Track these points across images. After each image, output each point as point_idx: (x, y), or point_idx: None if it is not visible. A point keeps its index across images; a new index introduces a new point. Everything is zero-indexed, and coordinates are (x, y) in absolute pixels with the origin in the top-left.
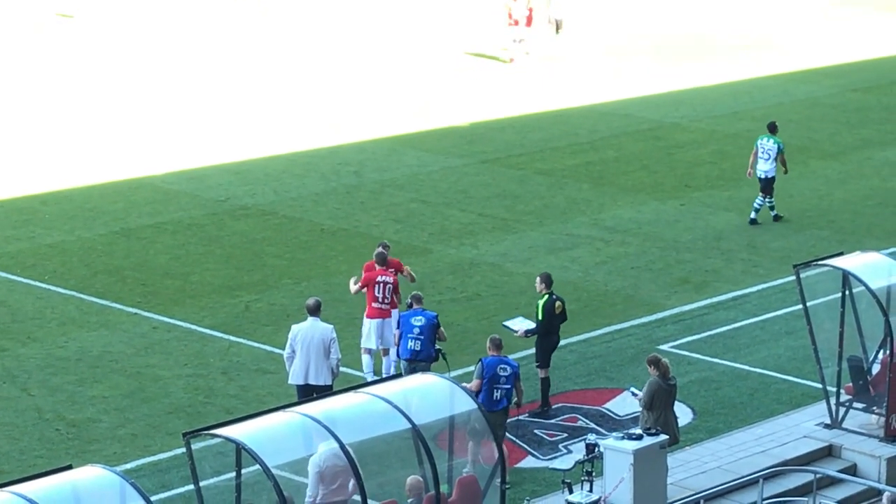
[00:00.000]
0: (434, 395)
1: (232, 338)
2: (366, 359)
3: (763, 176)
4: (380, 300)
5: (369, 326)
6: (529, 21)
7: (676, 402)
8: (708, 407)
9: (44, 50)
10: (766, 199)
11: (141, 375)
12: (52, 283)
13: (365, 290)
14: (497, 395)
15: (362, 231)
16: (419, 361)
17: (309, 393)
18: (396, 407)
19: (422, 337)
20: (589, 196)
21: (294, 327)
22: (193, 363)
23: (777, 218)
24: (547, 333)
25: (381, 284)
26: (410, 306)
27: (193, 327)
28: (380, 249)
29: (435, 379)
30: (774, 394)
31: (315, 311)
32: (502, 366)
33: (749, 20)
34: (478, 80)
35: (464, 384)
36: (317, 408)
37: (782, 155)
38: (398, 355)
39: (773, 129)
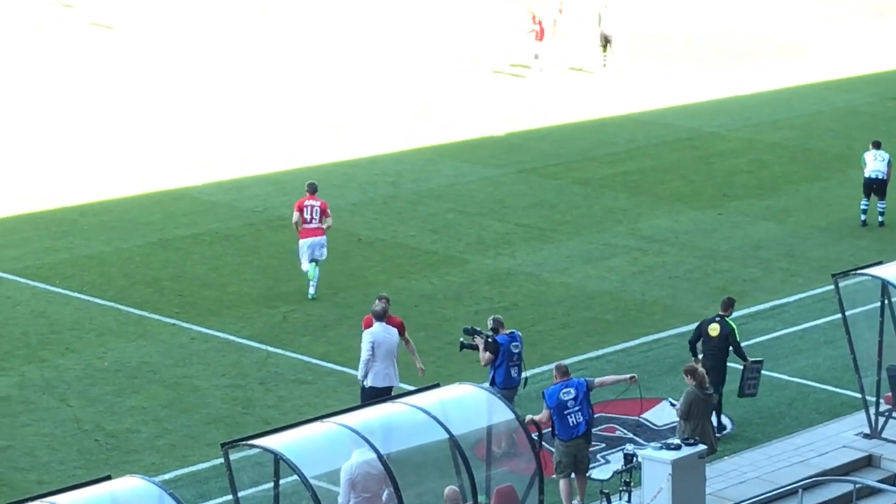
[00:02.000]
0: (472, 406)
1: (270, 348)
2: None
3: (875, 177)
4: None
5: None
6: (541, 35)
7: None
8: (746, 417)
9: (81, 61)
10: (879, 203)
11: (179, 386)
12: (90, 294)
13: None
14: (571, 420)
15: (399, 241)
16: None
17: (375, 396)
18: (434, 417)
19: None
20: (626, 205)
21: (369, 332)
22: (231, 373)
23: (882, 224)
24: None
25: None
26: (495, 331)
27: (231, 338)
28: (381, 304)
29: (472, 389)
30: (813, 403)
31: (383, 315)
32: (565, 390)
33: (787, 27)
34: (514, 89)
35: (534, 416)
36: (355, 418)
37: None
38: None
39: (878, 145)
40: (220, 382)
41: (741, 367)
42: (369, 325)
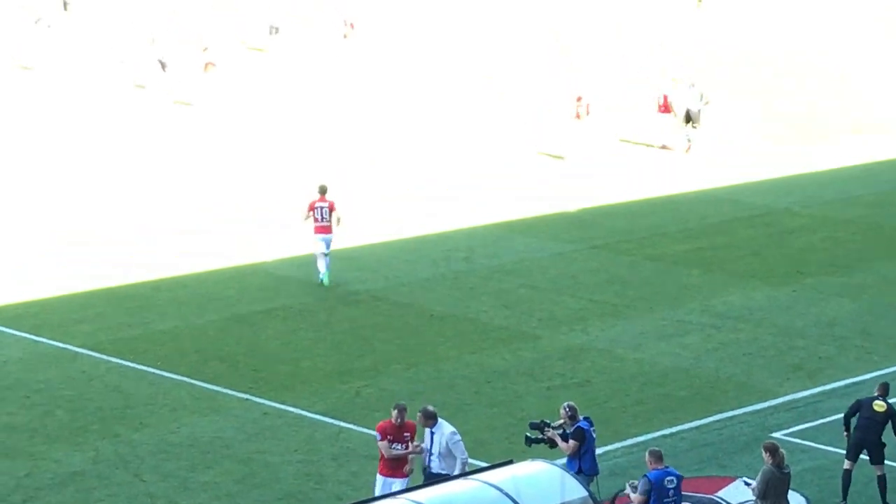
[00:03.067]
0: (544, 483)
1: (342, 423)
2: None
3: None
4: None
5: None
6: (664, 109)
7: (790, 491)
8: (822, 496)
9: (160, 136)
10: None
11: (252, 461)
12: (164, 369)
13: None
14: None
15: (472, 317)
16: None
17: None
18: (507, 494)
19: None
20: (699, 282)
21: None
22: (304, 449)
23: None
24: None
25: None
26: (573, 417)
27: (304, 413)
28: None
29: (546, 466)
30: (890, 482)
31: (433, 418)
32: (668, 478)
33: (860, 104)
34: (587, 165)
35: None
36: (428, 494)
37: None
38: None
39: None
40: (293, 458)
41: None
42: (382, 430)
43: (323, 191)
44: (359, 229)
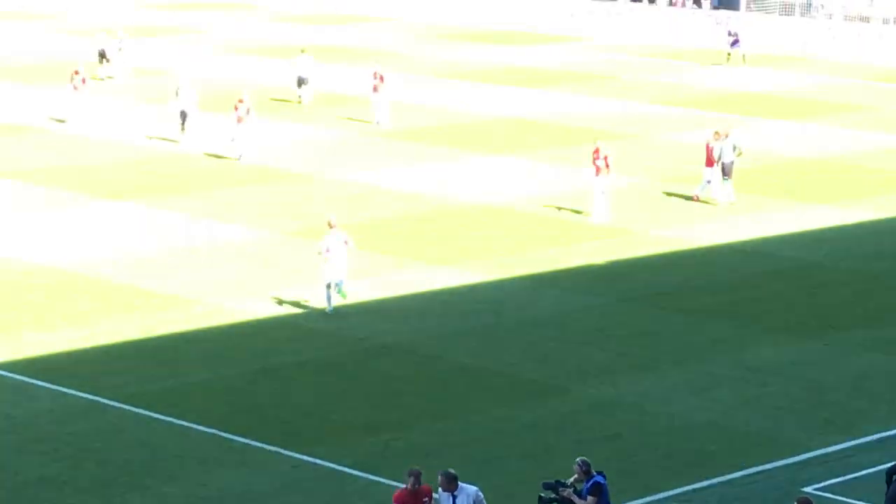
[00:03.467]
0: None
1: (371, 476)
2: None
3: None
4: None
5: None
6: (710, 162)
7: None
8: None
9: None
10: None
11: None
12: (193, 422)
13: None
14: None
15: (501, 370)
16: None
17: None
18: None
19: None
20: (730, 335)
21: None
22: (334, 502)
23: None
24: None
25: None
26: (587, 473)
27: (334, 466)
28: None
29: None
30: None
31: (455, 481)
32: None
33: (890, 158)
34: (615, 218)
35: None
36: None
37: None
38: None
39: None
40: None
41: None
42: (399, 501)
43: (331, 224)
44: (388, 282)
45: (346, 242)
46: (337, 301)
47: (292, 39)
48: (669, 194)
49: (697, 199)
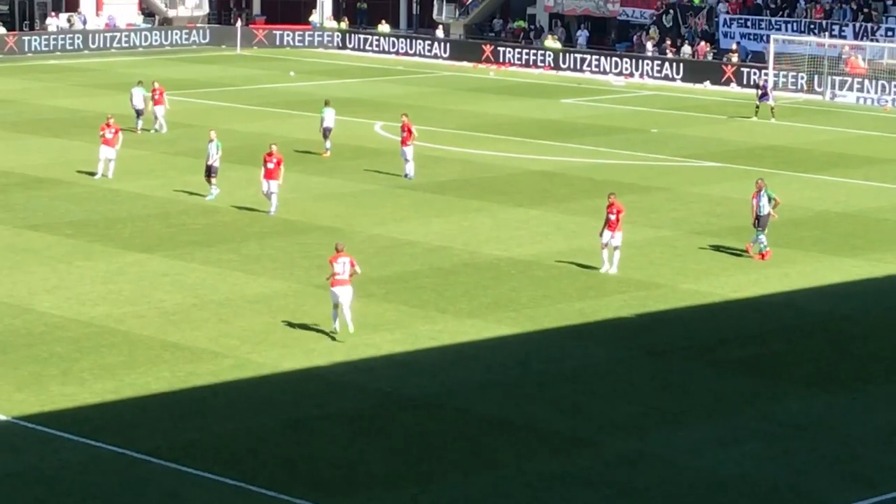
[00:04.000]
0: None
1: None
2: None
3: None
4: None
5: None
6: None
7: None
8: None
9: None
10: None
11: None
12: (220, 474)
13: None
14: None
15: (529, 423)
16: None
17: None
18: None
19: None
20: (758, 389)
21: None
22: None
23: None
24: None
25: None
26: None
27: None
28: None
29: None
30: None
31: None
32: None
33: None
34: (645, 270)
35: None
36: None
37: None
38: None
39: None
40: None
41: None
42: None
43: (339, 248)
44: (416, 334)
45: (352, 265)
46: (340, 325)
47: (317, 92)
48: (699, 248)
49: (753, 255)
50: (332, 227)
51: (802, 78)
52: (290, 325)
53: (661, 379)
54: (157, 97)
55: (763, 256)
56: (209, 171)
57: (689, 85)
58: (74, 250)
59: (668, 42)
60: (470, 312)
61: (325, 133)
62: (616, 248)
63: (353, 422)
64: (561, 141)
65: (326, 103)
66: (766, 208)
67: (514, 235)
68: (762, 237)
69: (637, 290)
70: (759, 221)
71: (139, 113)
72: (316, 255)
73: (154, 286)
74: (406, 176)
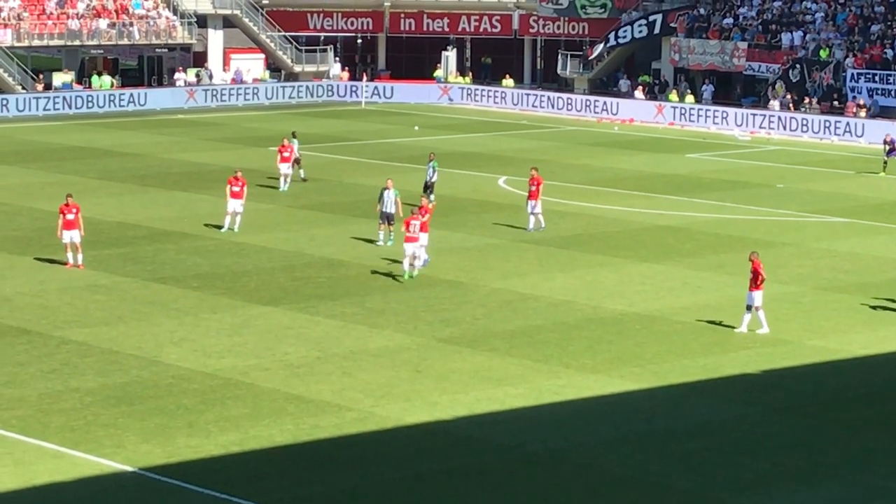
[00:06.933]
0: None
1: None
2: None
3: None
4: None
5: None
6: None
7: None
8: None
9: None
10: None
11: None
12: None
13: None
14: None
15: (654, 480)
16: None
17: None
18: None
19: None
20: (887, 446)
21: None
22: None
23: None
24: None
25: None
26: None
27: None
28: None
29: None
30: None
31: None
32: None
33: None
34: (771, 326)
35: None
36: None
37: None
38: None
39: None
40: None
41: None
42: None
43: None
44: (539, 389)
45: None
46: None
47: (440, 147)
48: (826, 304)
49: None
50: (455, 281)
51: None
52: (414, 378)
53: (788, 436)
54: (286, 154)
55: None
56: (388, 219)
57: (816, 139)
58: (201, 303)
59: (794, 97)
60: (594, 367)
61: (427, 187)
62: (757, 309)
63: (477, 476)
64: (686, 196)
65: (430, 157)
66: None
67: (638, 290)
68: None
69: (763, 346)
70: None
71: (297, 162)
72: (439, 308)
73: (279, 339)
74: (537, 229)
